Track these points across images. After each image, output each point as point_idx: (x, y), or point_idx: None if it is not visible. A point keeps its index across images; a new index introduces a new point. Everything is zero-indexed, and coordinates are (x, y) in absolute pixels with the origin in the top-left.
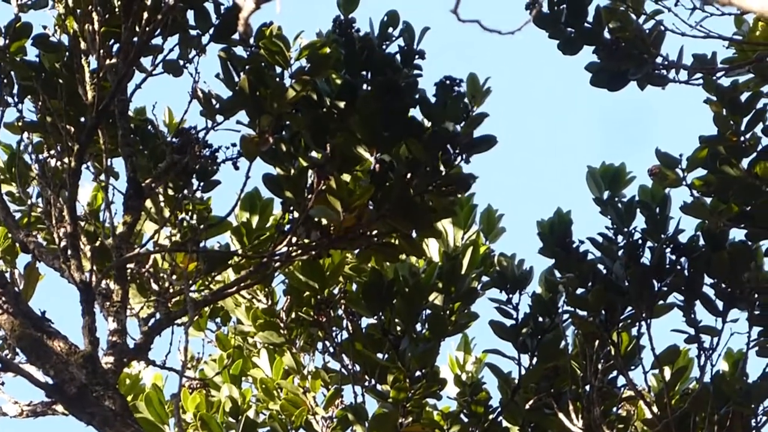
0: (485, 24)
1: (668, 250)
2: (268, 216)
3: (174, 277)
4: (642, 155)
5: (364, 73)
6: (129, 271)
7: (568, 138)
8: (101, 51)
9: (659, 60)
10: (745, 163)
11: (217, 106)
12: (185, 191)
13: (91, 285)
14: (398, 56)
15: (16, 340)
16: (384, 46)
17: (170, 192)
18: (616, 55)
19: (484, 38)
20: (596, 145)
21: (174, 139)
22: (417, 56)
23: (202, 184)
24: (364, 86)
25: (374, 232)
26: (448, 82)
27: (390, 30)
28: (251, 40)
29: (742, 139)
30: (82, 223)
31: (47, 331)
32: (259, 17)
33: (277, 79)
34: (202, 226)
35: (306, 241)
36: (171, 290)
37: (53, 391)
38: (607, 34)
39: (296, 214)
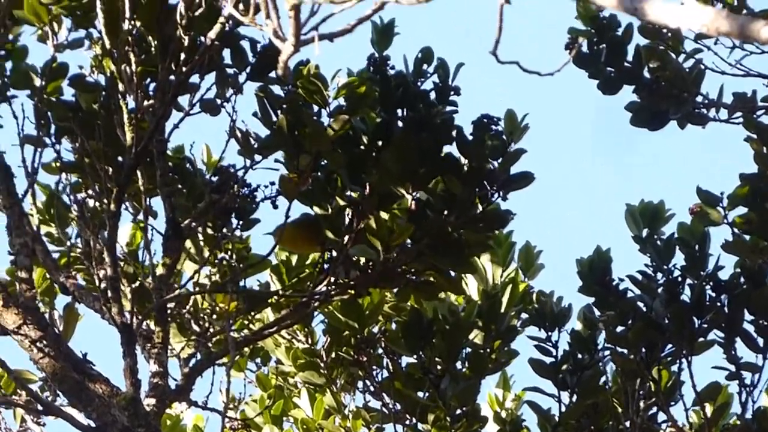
0: (524, 64)
1: (708, 287)
2: (307, 254)
3: (214, 317)
4: (683, 194)
5: (399, 110)
6: (169, 311)
7: (608, 175)
8: (138, 91)
9: (699, 99)
10: None
11: (255, 145)
12: (224, 230)
13: (132, 326)
14: (433, 93)
15: (58, 383)
16: (419, 83)
17: (209, 231)
18: (656, 95)
19: (522, 75)
20: (636, 183)
21: (212, 178)
22: (452, 92)
23: (240, 222)
24: (400, 123)
25: (412, 270)
26: (485, 120)
27: (425, 67)
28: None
29: None
30: (122, 264)
31: (89, 373)
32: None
33: (315, 118)
34: (241, 266)
35: (345, 280)
36: (211, 330)
37: None
38: (646, 74)
39: (335, 253)
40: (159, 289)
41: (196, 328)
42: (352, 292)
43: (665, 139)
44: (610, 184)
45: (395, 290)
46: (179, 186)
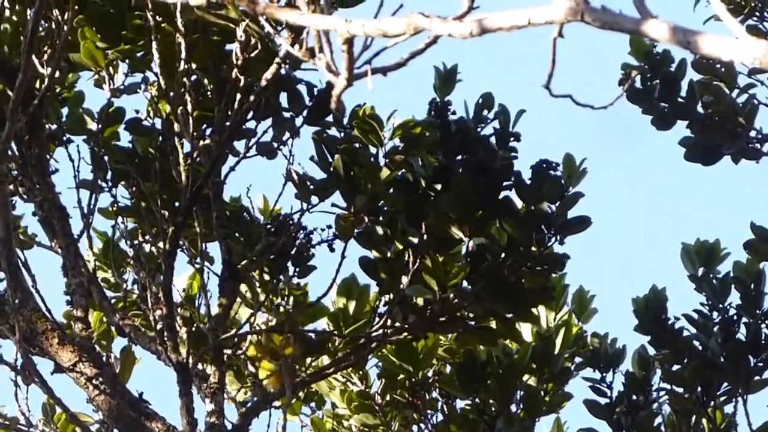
0: (577, 98)
1: (764, 325)
2: (365, 302)
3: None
4: (738, 230)
5: (460, 155)
6: (225, 356)
7: (659, 215)
8: (194, 134)
9: (753, 133)
10: None
11: (312, 187)
12: (281, 276)
13: (188, 367)
14: (493, 138)
15: (114, 421)
16: (479, 129)
17: (266, 277)
18: (710, 130)
19: (575, 114)
20: (689, 221)
21: (269, 224)
22: (512, 138)
23: (297, 269)
24: (459, 168)
25: (470, 315)
26: (544, 165)
27: (485, 112)
28: (344, 121)
29: None
30: (178, 308)
31: (145, 412)
32: (354, 97)
33: (371, 159)
34: (297, 311)
35: (400, 324)
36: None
37: None
38: (700, 109)
39: (392, 296)
40: (215, 329)
41: (252, 369)
42: (408, 335)
43: (718, 174)
44: (662, 223)
45: (455, 335)
46: (235, 233)
